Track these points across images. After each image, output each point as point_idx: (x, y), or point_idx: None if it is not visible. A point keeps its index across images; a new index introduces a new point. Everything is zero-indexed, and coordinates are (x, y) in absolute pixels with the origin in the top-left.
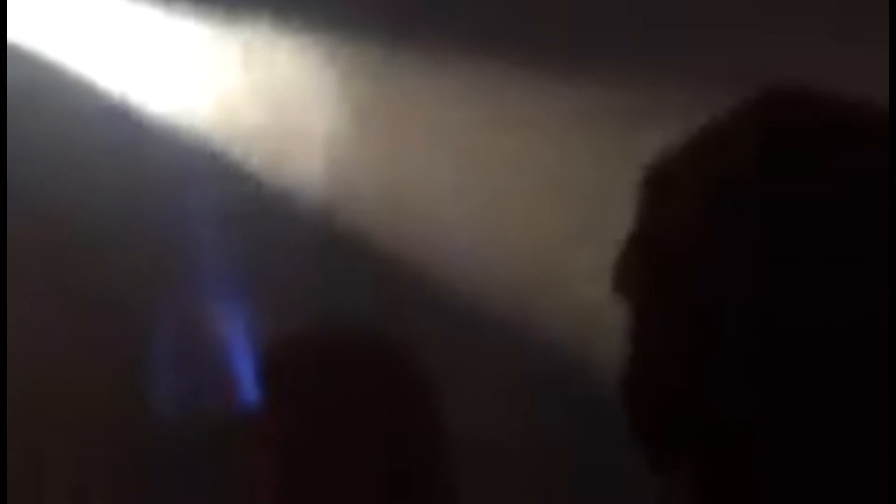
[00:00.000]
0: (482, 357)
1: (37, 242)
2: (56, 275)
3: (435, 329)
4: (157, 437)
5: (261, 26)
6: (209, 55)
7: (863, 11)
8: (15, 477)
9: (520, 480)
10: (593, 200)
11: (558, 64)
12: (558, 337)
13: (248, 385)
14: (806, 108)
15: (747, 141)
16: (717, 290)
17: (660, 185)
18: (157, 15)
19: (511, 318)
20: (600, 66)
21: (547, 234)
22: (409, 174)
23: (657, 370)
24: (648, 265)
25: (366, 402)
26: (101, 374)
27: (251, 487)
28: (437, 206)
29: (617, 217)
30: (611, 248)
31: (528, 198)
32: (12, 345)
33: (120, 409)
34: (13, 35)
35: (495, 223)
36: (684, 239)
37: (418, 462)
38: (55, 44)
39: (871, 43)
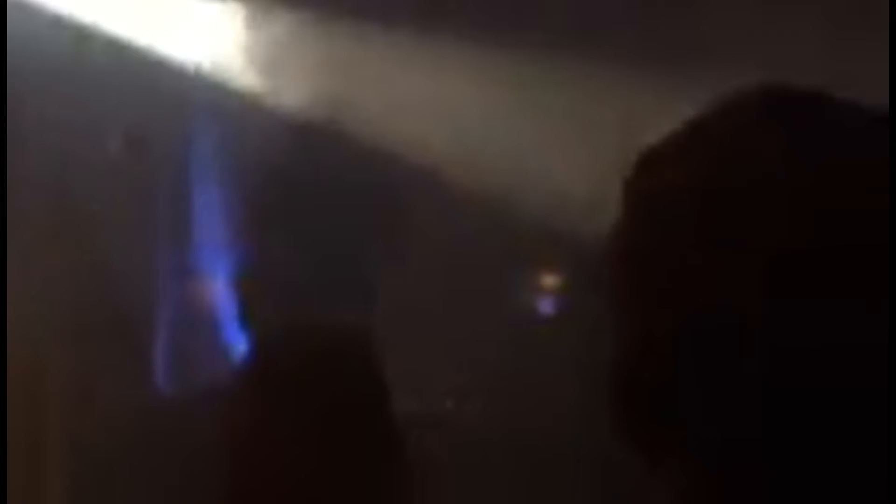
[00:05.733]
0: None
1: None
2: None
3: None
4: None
5: None
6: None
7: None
8: (14, 451)
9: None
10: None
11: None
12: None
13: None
14: (770, 110)
15: (717, 143)
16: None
17: (636, 190)
18: None
19: None
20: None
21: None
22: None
23: (644, 367)
24: (632, 267)
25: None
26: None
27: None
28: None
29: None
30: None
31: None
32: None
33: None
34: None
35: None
36: (667, 243)
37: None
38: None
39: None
